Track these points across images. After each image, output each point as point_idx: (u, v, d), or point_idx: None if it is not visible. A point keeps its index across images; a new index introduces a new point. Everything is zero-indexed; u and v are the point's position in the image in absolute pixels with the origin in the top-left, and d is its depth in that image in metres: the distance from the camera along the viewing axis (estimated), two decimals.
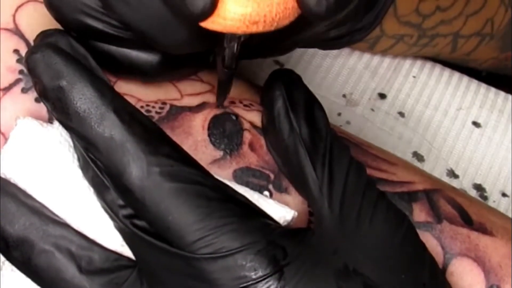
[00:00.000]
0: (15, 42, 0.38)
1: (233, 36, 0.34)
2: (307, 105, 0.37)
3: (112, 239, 0.34)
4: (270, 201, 0.36)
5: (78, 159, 0.34)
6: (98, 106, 0.31)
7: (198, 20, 0.30)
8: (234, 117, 0.39)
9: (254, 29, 0.31)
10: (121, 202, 0.32)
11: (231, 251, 0.30)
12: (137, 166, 0.31)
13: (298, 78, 0.39)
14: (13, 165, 0.34)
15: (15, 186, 0.34)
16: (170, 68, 0.38)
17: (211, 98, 0.39)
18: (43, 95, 0.32)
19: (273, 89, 0.37)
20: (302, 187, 0.36)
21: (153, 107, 0.38)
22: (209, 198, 0.31)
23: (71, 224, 0.34)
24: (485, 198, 0.50)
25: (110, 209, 0.32)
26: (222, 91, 0.38)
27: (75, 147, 0.34)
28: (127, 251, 0.33)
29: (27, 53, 0.33)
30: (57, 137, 0.34)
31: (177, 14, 0.31)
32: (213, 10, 0.30)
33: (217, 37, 0.33)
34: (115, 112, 0.31)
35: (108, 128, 0.31)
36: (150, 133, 0.32)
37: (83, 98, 0.31)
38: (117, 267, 0.33)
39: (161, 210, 0.31)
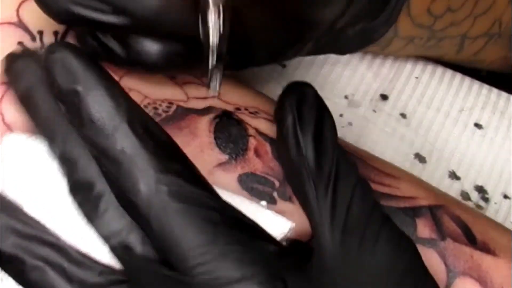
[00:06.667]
0: (19, 35, 0.37)
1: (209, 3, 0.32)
2: (317, 124, 0.36)
3: (104, 252, 0.33)
4: (267, 212, 0.36)
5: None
6: (113, 116, 0.31)
7: None
8: (239, 123, 0.38)
9: None
10: (112, 227, 0.32)
11: (231, 280, 0.30)
12: (145, 183, 0.30)
13: (313, 93, 0.38)
14: (2, 180, 0.33)
15: (3, 202, 0.33)
16: (175, 60, 0.37)
17: (216, 103, 0.39)
18: (58, 97, 0.32)
19: (284, 106, 0.37)
20: (305, 210, 0.36)
21: (160, 105, 0.38)
22: (216, 223, 0.31)
23: (63, 238, 0.33)
24: (487, 200, 0.50)
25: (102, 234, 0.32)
26: (212, 76, 0.36)
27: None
28: (120, 265, 0.33)
29: (45, 51, 0.32)
30: (45, 150, 0.34)
31: None
32: None
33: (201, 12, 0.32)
34: (129, 124, 0.31)
35: (120, 140, 0.31)
36: (162, 148, 0.31)
37: (97, 106, 0.31)
38: (109, 282, 0.32)
39: (165, 230, 0.30)
